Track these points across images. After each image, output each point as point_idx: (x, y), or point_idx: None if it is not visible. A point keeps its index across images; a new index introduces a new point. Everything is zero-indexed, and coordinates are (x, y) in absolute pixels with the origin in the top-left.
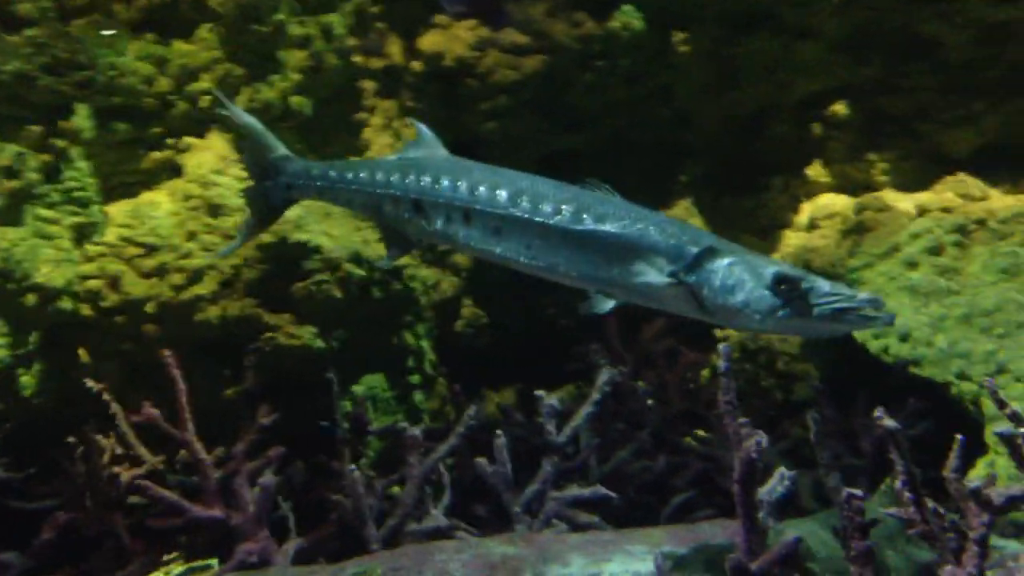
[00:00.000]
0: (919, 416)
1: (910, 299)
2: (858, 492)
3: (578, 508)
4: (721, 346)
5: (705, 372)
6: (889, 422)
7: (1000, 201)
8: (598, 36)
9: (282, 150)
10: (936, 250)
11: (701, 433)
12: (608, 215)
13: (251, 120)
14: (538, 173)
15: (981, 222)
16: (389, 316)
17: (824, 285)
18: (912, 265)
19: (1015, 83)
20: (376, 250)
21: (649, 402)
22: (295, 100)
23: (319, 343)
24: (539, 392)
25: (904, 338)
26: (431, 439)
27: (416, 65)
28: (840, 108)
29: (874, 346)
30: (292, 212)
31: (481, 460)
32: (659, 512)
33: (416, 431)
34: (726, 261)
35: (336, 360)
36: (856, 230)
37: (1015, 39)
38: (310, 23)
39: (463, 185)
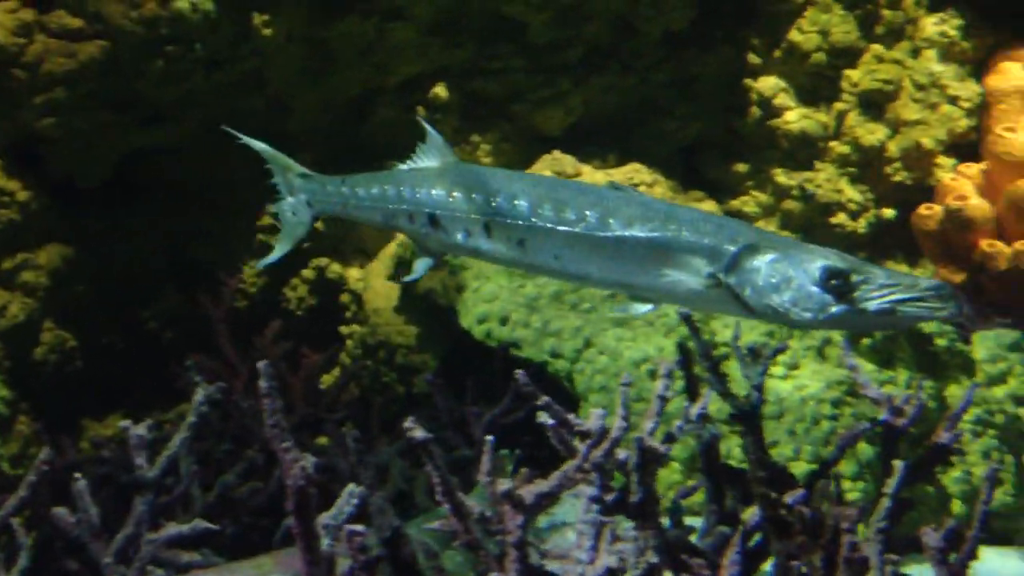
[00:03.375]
0: (525, 399)
1: (507, 280)
2: (360, 528)
3: (179, 547)
4: (260, 364)
5: (333, 374)
6: (418, 433)
7: (591, 176)
8: (164, 19)
9: (298, 169)
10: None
11: (322, 441)
12: (637, 218)
13: (263, 146)
14: (122, 171)
15: None
16: None
17: (880, 275)
18: None
19: (595, 62)
20: None
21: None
22: None
23: None
24: (124, 422)
25: (504, 321)
26: (5, 491)
27: None
28: (440, 91)
29: (479, 331)
30: None
31: (60, 510)
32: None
33: None
34: (768, 258)
35: None
36: None
37: (591, 20)
38: None
39: (479, 196)
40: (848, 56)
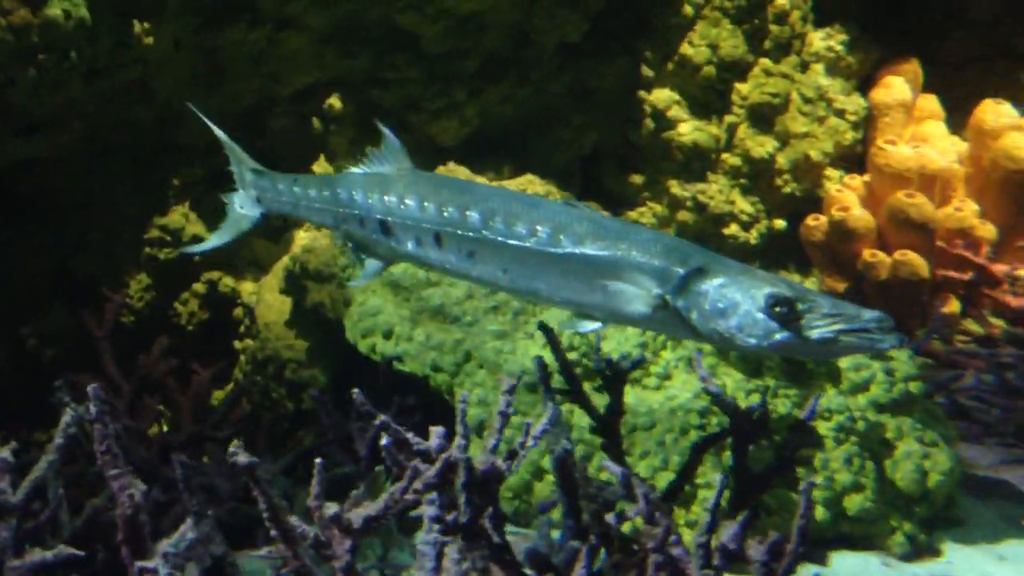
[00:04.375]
0: (408, 413)
1: (392, 294)
2: (151, 565)
3: (44, 574)
4: (89, 388)
5: (225, 390)
6: (242, 458)
7: None
8: (35, 26)
9: (251, 163)
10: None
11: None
12: (588, 235)
13: (222, 135)
14: (2, 183)
15: None
16: None
17: (825, 305)
18: None
19: (491, 73)
20: None
21: (166, 429)
22: None
23: None
24: None
25: (388, 335)
26: None
27: None
28: (335, 102)
29: (363, 345)
30: None
31: None
32: None
33: None
34: (716, 282)
35: None
36: None
37: (488, 30)
38: None
39: (431, 205)
40: (737, 70)
